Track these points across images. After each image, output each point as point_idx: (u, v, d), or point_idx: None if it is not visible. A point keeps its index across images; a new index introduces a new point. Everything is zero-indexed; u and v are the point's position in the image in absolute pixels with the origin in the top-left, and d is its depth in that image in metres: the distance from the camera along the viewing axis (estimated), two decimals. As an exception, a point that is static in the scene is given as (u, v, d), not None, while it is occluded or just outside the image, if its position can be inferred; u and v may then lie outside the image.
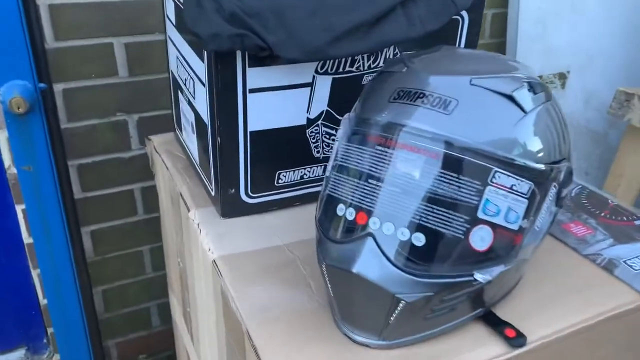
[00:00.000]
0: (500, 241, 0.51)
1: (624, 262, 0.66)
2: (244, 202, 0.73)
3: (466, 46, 0.76)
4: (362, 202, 0.52)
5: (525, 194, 0.51)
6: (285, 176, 0.73)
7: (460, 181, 0.50)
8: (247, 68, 0.64)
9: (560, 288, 0.63)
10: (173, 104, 0.90)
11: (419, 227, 0.50)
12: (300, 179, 0.75)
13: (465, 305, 0.55)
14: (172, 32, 0.80)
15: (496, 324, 0.57)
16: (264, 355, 0.54)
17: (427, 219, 0.50)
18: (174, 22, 0.78)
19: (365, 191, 0.52)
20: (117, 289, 1.19)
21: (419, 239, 0.50)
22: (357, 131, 0.55)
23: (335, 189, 0.56)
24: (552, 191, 0.54)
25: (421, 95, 0.52)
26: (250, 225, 0.73)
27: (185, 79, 0.77)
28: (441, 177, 0.50)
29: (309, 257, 0.68)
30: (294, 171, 0.74)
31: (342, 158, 0.56)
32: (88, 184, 1.07)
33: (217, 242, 0.69)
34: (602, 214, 0.75)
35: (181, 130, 0.87)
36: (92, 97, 1.02)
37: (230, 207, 0.73)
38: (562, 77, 1.45)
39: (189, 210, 0.76)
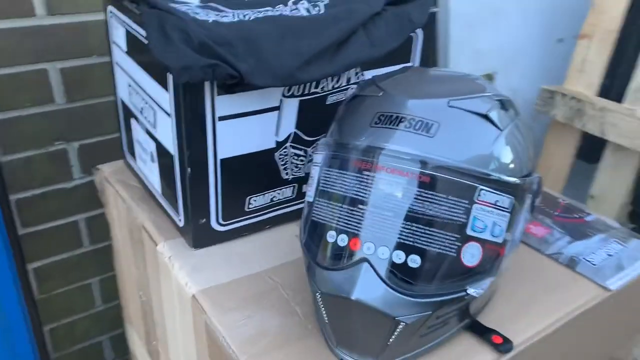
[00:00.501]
0: (487, 255, 0.53)
1: (584, 258, 0.71)
2: (215, 231, 0.71)
3: (422, 61, 0.78)
4: (354, 228, 0.53)
5: (507, 208, 0.53)
6: (255, 200, 0.72)
7: (450, 201, 0.51)
8: (215, 96, 0.63)
9: (532, 290, 0.67)
10: (123, 131, 0.86)
11: (413, 249, 0.51)
12: (270, 201, 0.74)
13: (455, 318, 0.57)
14: (122, 59, 0.76)
15: (483, 333, 0.60)
16: (266, 391, 0.53)
17: (421, 240, 0.51)
18: (124, 48, 0.74)
19: (356, 217, 0.53)
20: (66, 326, 1.12)
21: (415, 261, 0.51)
22: (343, 157, 0.55)
23: (322, 215, 0.56)
24: (528, 202, 0.57)
25: (402, 120, 0.53)
26: (223, 254, 0.71)
27: (142, 108, 0.74)
28: (432, 198, 0.51)
29: (290, 282, 0.67)
30: (264, 195, 0.73)
31: (327, 184, 0.56)
32: (29, 219, 1.00)
33: (192, 275, 0.67)
34: (556, 213, 0.80)
35: (135, 159, 0.83)
36: (27, 127, 0.95)
37: (201, 237, 0.71)
38: (490, 77, 1.53)
39: (156, 244, 0.73)
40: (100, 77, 0.99)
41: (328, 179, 0.56)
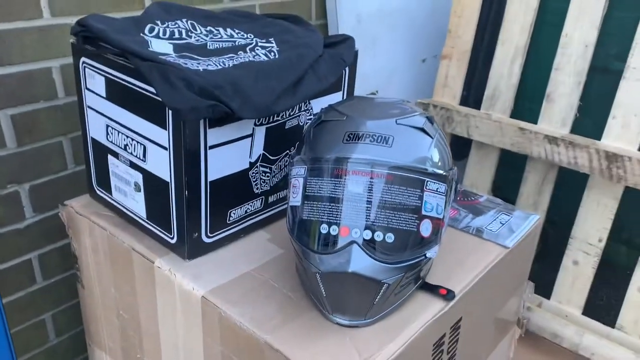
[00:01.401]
0: (435, 228, 0.74)
1: (486, 228, 0.95)
2: (205, 243, 0.84)
3: (348, 88, 0.98)
4: (342, 219, 0.70)
5: (443, 193, 0.75)
6: (234, 213, 0.87)
7: (409, 191, 0.71)
8: (207, 129, 0.77)
9: (457, 255, 0.89)
10: (93, 168, 0.94)
11: (388, 229, 0.70)
12: (245, 213, 0.88)
13: (414, 280, 0.77)
14: (98, 103, 0.86)
15: (432, 289, 0.80)
16: (290, 353, 0.68)
17: (393, 222, 0.70)
18: (103, 94, 0.85)
19: (342, 211, 0.70)
20: (23, 364, 1.14)
21: (390, 237, 0.70)
22: (322, 168, 0.72)
23: (312, 214, 0.72)
24: (453, 187, 0.79)
25: (367, 136, 0.72)
26: (213, 262, 0.85)
27: (126, 145, 0.84)
28: (398, 190, 0.70)
29: (276, 275, 0.83)
30: (240, 208, 0.87)
31: (313, 189, 0.73)
32: (-16, 263, 1.03)
33: (196, 281, 0.80)
34: (458, 198, 1.05)
35: (110, 191, 0.93)
36: (-19, 174, 0.99)
37: (194, 249, 0.83)
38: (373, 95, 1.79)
39: (152, 262, 0.84)
40: (47, 120, 1.05)
41: (313, 186, 0.73)
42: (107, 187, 0.93)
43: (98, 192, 0.96)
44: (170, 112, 0.75)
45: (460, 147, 1.78)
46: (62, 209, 0.98)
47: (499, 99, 1.54)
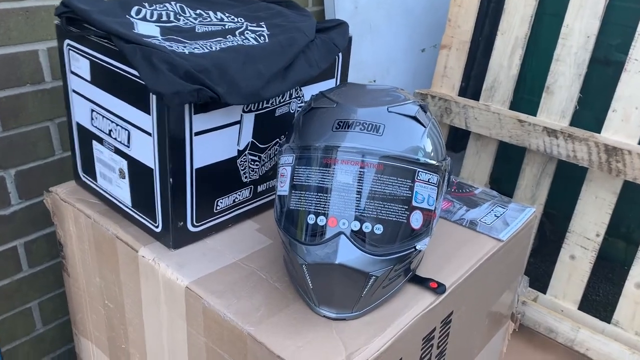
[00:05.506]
0: (426, 219, 0.72)
1: (480, 220, 0.93)
2: (191, 232, 0.82)
3: (341, 76, 0.96)
4: (330, 209, 0.68)
5: (435, 184, 0.72)
6: (222, 202, 0.84)
7: (399, 181, 0.69)
8: (192, 115, 0.74)
9: (449, 247, 0.87)
10: (78, 154, 0.92)
11: (377, 220, 0.68)
12: (233, 202, 0.86)
13: (403, 273, 0.75)
14: (83, 87, 0.84)
15: (422, 282, 0.78)
16: (274, 345, 0.67)
17: (382, 213, 0.68)
18: (87, 78, 0.82)
19: (331, 201, 0.68)
20: (9, 352, 1.12)
21: (379, 229, 0.68)
22: (311, 156, 0.70)
23: (300, 204, 0.70)
24: (446, 178, 0.76)
25: (357, 124, 0.70)
26: (199, 251, 0.82)
27: (111, 130, 0.82)
28: (388, 180, 0.68)
29: (263, 266, 0.81)
30: (228, 197, 0.85)
31: (301, 179, 0.70)
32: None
33: (180, 270, 0.78)
34: (453, 190, 1.03)
35: (95, 178, 0.90)
36: (-36, 158, 0.97)
37: (180, 238, 0.81)
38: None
39: (136, 250, 0.82)
40: (34, 104, 1.03)
41: (301, 175, 0.71)
42: (92, 174, 0.91)
43: (83, 178, 0.94)
44: (154, 96, 0.72)
45: (458, 139, 1.76)
46: (47, 196, 0.96)
47: (498, 90, 1.52)
